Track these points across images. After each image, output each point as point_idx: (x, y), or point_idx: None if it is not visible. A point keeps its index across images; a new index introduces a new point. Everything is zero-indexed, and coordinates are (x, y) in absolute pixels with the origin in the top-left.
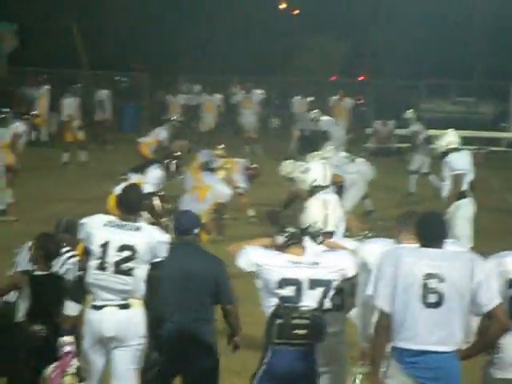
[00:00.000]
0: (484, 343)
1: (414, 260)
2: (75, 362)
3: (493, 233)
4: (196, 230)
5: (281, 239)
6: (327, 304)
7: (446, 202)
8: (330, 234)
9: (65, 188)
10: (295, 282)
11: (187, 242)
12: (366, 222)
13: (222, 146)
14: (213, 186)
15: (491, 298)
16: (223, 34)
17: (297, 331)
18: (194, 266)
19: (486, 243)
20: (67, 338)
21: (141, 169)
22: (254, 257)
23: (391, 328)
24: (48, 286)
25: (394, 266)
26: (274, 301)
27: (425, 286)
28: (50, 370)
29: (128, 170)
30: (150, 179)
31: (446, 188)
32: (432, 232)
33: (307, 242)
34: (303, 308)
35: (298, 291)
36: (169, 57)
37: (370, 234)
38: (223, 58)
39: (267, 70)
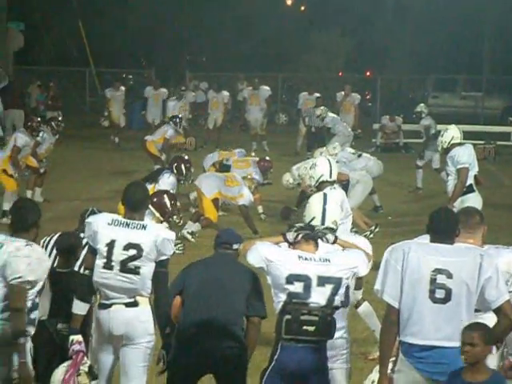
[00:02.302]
0: (493, 338)
1: (423, 255)
2: (87, 361)
3: (501, 228)
4: (236, 246)
5: (291, 236)
6: (337, 301)
7: (452, 196)
8: (328, 230)
9: (75, 187)
10: (304, 278)
11: (224, 254)
12: (375, 217)
13: (253, 154)
14: (242, 186)
15: (499, 294)
16: (230, 31)
17: (305, 327)
18: (228, 274)
19: (493, 239)
20: (77, 337)
21: (153, 178)
22: (263, 252)
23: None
24: (68, 284)
25: (402, 260)
26: (283, 297)
27: (433, 281)
28: (62, 369)
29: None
30: (163, 187)
31: (451, 183)
32: (442, 227)
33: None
34: (312, 305)
35: (307, 287)
36: (175, 54)
37: (378, 230)
38: (230, 55)
39: (274, 66)
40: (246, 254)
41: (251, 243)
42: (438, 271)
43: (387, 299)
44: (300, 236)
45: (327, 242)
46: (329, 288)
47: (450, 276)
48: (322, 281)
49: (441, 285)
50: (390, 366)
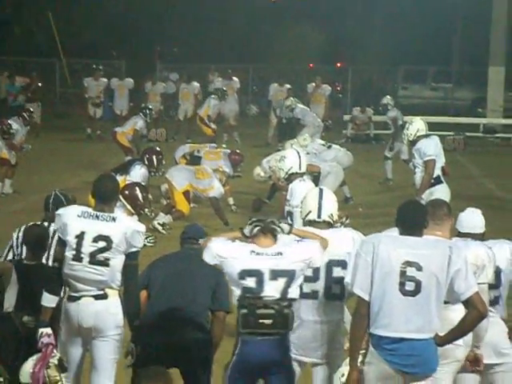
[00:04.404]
0: (461, 330)
1: (393, 248)
2: (56, 354)
3: None
4: (202, 241)
5: (247, 230)
6: (293, 294)
7: (419, 188)
8: (325, 224)
9: (46, 178)
10: (256, 273)
11: (190, 249)
12: (345, 208)
13: (224, 145)
14: (212, 178)
15: (468, 286)
16: (200, 22)
17: (262, 321)
18: (193, 268)
19: None
20: (46, 330)
21: (124, 169)
22: (215, 249)
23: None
24: (35, 277)
25: (372, 253)
26: (238, 291)
27: (402, 273)
28: (31, 362)
29: (110, 171)
30: (135, 179)
31: (419, 175)
32: (411, 220)
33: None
34: (266, 298)
35: (260, 282)
36: (146, 44)
37: (348, 221)
38: (200, 46)
39: (245, 57)
40: (203, 252)
41: (208, 240)
42: (408, 264)
43: (358, 292)
44: (256, 229)
45: (282, 232)
46: (282, 281)
47: (419, 268)
48: (275, 274)
49: (411, 277)
50: (360, 358)
